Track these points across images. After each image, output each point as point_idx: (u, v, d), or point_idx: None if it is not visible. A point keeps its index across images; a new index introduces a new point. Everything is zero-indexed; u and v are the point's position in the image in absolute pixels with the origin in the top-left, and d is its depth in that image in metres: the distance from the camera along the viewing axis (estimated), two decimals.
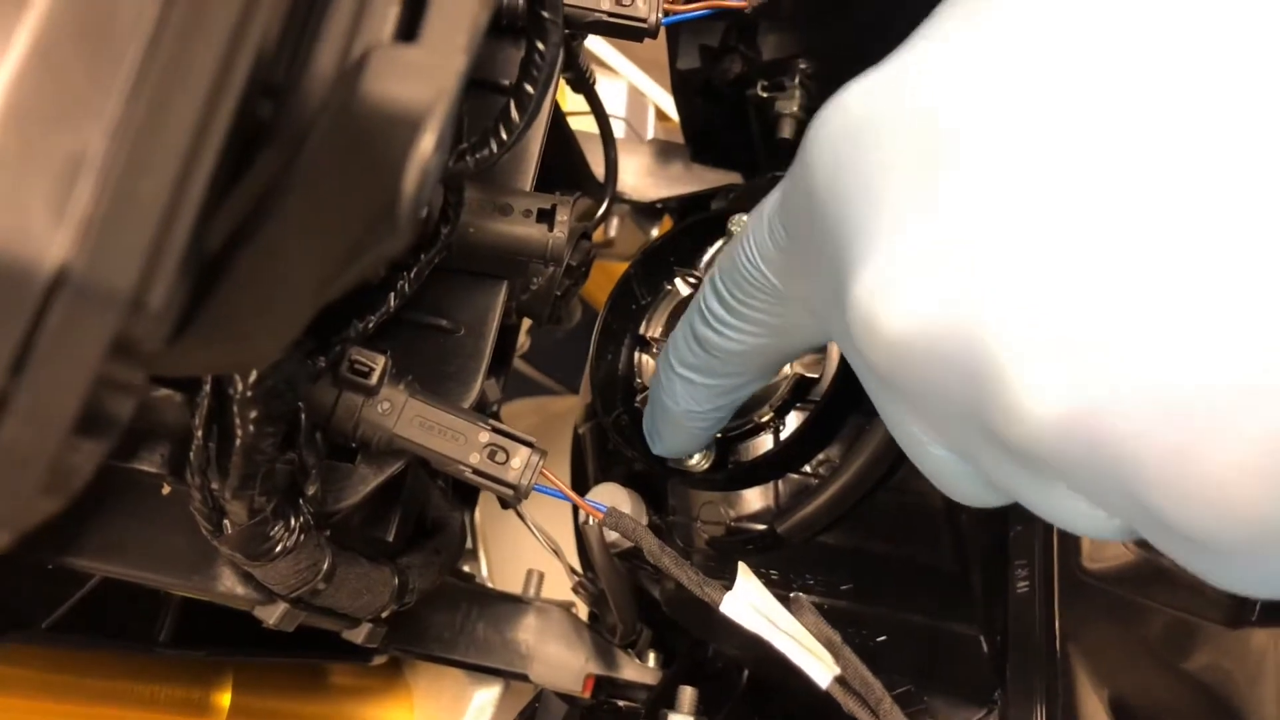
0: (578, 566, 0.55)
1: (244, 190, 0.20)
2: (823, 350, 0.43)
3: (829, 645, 0.31)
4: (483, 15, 0.19)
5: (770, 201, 0.31)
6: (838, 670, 0.31)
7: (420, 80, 0.18)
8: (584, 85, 0.51)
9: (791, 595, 0.33)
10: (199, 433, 0.30)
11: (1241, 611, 0.37)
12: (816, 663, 0.31)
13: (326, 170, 0.19)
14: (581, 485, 0.55)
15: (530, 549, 0.57)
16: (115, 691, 0.41)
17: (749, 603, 0.32)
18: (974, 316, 0.23)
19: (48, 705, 0.39)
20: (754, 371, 0.36)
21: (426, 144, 0.18)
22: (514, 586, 0.59)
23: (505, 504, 0.54)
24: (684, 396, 0.37)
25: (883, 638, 0.44)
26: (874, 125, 0.26)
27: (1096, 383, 0.22)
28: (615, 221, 0.64)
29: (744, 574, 0.33)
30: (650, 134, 0.73)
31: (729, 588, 0.33)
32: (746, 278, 0.32)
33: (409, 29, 0.19)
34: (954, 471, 0.29)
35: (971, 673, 0.45)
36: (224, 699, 0.47)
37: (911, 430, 0.28)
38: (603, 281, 0.69)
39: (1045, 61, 0.23)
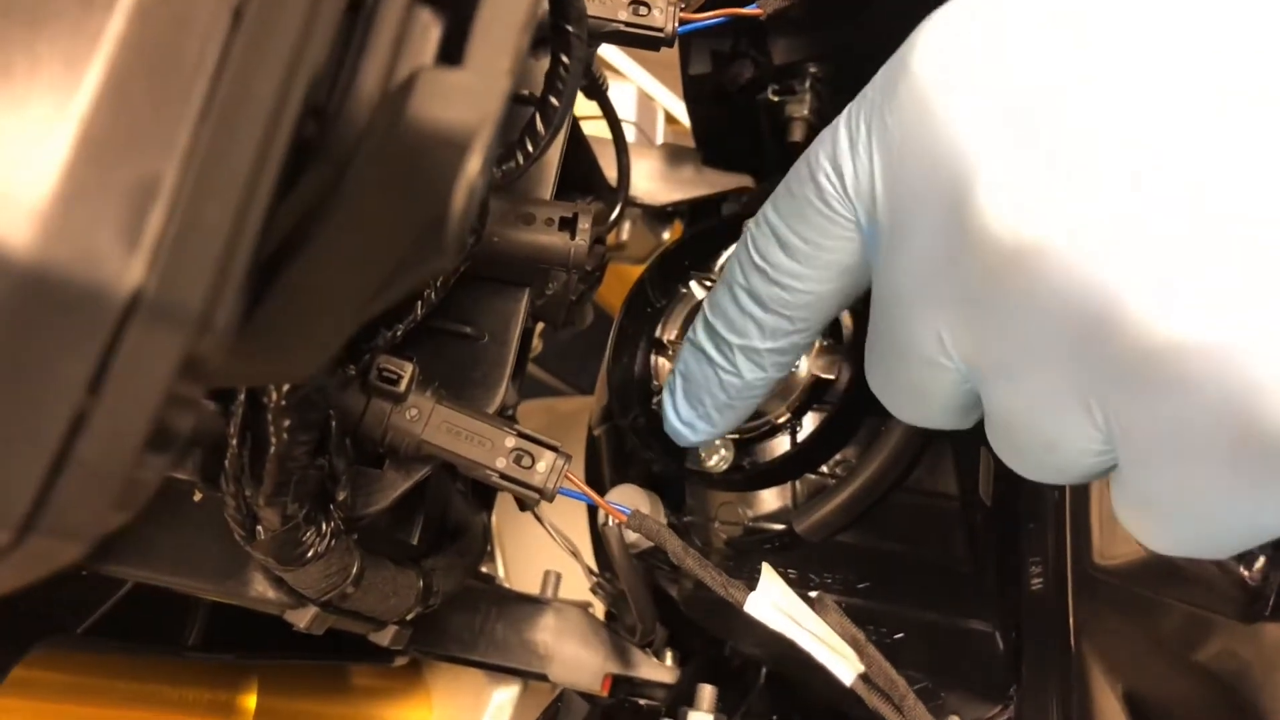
0: (595, 567, 0.56)
1: (289, 209, 0.20)
2: (839, 353, 0.44)
3: (853, 643, 0.32)
4: (524, 39, 0.19)
5: (851, 129, 0.31)
6: (862, 668, 0.32)
7: (467, 103, 0.18)
8: (597, 92, 0.51)
9: (815, 594, 0.33)
10: (234, 441, 0.30)
11: (1255, 606, 0.37)
12: (841, 661, 0.32)
13: (372, 190, 0.19)
14: (596, 487, 0.55)
15: (547, 551, 0.57)
16: (146, 695, 0.42)
17: (773, 603, 0.33)
18: (1117, 231, 0.25)
19: (82, 709, 0.40)
20: (819, 322, 0.36)
21: (473, 166, 0.18)
22: (531, 588, 0.59)
23: (523, 506, 0.55)
24: (747, 368, 0.36)
25: (899, 635, 0.45)
26: (1016, 36, 0.27)
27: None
28: (627, 225, 0.64)
29: (768, 574, 0.33)
30: (660, 138, 0.73)
31: (752, 588, 0.34)
32: (822, 211, 0.32)
33: (451, 52, 0.20)
34: (944, 388, 0.31)
35: (987, 669, 0.45)
36: (250, 701, 0.47)
37: (931, 341, 0.30)
38: (614, 284, 0.70)
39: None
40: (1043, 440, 0.30)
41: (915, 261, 0.30)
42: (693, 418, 0.39)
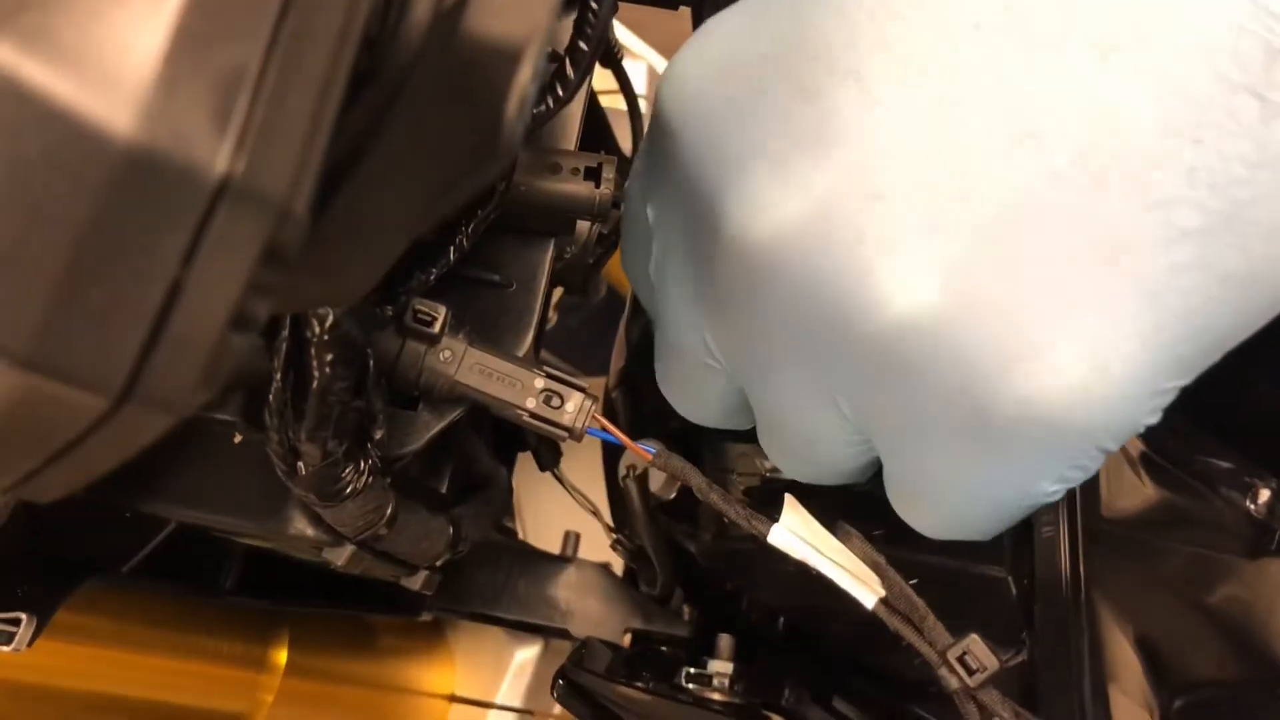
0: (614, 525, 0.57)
1: (346, 128, 0.22)
2: None
3: (875, 567, 0.33)
4: None
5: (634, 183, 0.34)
6: (883, 592, 0.33)
7: (518, 16, 0.20)
8: (612, 61, 0.53)
9: (837, 523, 0.34)
10: (278, 375, 0.32)
11: (1262, 540, 0.38)
12: (862, 586, 0.33)
13: (429, 103, 0.21)
14: (613, 448, 0.56)
15: (565, 513, 0.59)
16: (184, 644, 0.43)
17: (796, 532, 0.34)
18: (844, 217, 0.25)
19: (124, 655, 0.41)
20: None
21: (525, 74, 0.20)
22: (551, 549, 0.60)
23: (543, 466, 0.56)
24: None
25: (914, 580, 0.46)
26: (738, 62, 0.28)
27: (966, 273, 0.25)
28: None
29: (790, 505, 0.35)
30: None
31: (775, 520, 0.35)
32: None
33: None
34: (717, 389, 0.34)
35: (1000, 614, 0.47)
36: (281, 656, 0.48)
37: (699, 344, 0.32)
38: None
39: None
40: (802, 437, 0.32)
41: (679, 268, 0.32)
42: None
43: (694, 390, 0.35)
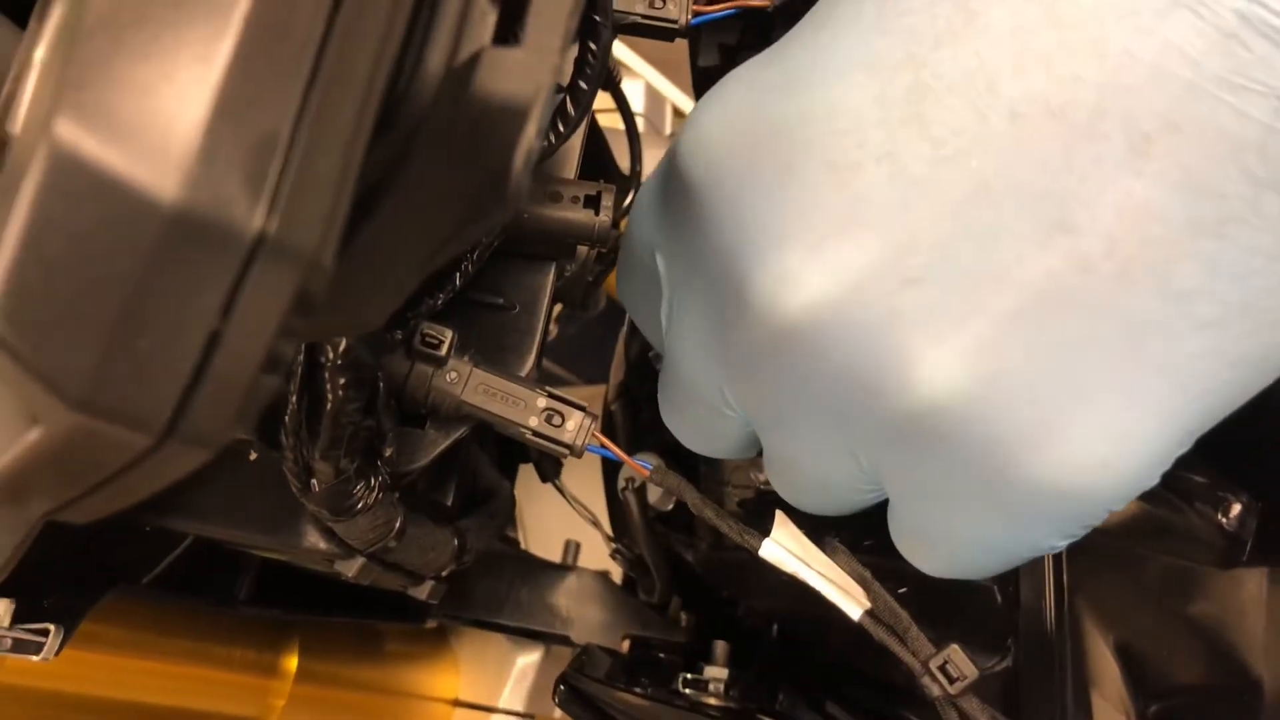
0: (612, 535, 0.58)
1: (364, 173, 0.23)
2: None
3: (861, 581, 0.35)
4: (573, 21, 0.22)
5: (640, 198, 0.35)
6: (869, 604, 0.35)
7: (525, 77, 0.21)
8: (611, 83, 0.54)
9: (825, 539, 0.36)
10: (294, 398, 0.33)
11: (1234, 552, 0.40)
12: (848, 599, 0.35)
13: (440, 154, 0.22)
14: (612, 461, 0.58)
15: (565, 523, 0.60)
16: (200, 652, 0.44)
17: (786, 546, 0.35)
18: (878, 299, 0.26)
19: (143, 663, 0.42)
20: None
21: (531, 130, 0.21)
22: (552, 558, 0.62)
23: (544, 478, 0.58)
24: None
25: (903, 590, 0.48)
26: (764, 128, 0.29)
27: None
28: None
29: (780, 521, 0.36)
30: (669, 130, 0.76)
31: (766, 535, 0.37)
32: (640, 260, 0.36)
33: (506, 34, 0.23)
34: (730, 430, 0.35)
35: (986, 621, 0.48)
36: (291, 662, 0.50)
37: (713, 393, 0.33)
38: None
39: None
40: (817, 481, 0.33)
41: (696, 322, 0.32)
42: None
43: (704, 430, 0.36)
